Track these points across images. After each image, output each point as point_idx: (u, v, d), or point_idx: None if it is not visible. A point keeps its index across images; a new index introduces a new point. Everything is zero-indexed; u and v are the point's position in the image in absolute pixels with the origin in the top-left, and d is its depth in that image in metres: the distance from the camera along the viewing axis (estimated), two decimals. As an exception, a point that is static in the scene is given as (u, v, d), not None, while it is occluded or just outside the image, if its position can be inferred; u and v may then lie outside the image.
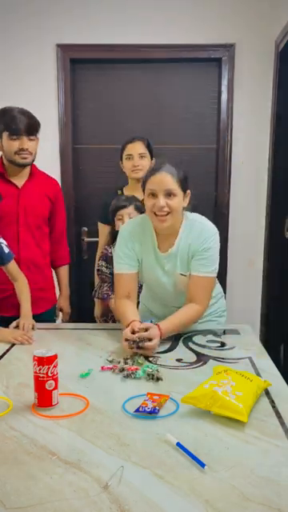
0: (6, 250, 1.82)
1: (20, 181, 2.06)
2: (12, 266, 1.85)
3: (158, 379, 1.34)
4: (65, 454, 0.98)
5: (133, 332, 1.55)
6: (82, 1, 2.84)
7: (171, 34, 2.84)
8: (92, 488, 0.87)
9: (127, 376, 1.36)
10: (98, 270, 2.32)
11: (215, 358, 1.51)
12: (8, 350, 1.59)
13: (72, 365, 1.45)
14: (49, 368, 1.17)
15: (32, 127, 1.97)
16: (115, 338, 1.71)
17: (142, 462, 0.95)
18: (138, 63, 2.95)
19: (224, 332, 1.78)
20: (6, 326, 1.78)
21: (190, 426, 1.10)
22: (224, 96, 2.90)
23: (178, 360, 1.51)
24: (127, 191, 2.44)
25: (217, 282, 1.87)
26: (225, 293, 2.84)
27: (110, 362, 1.47)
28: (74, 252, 3.07)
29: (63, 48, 2.87)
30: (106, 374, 1.37)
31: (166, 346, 1.63)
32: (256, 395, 1.19)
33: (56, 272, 2.33)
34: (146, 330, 1.55)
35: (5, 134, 1.95)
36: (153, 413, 1.13)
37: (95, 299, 2.40)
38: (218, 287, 1.94)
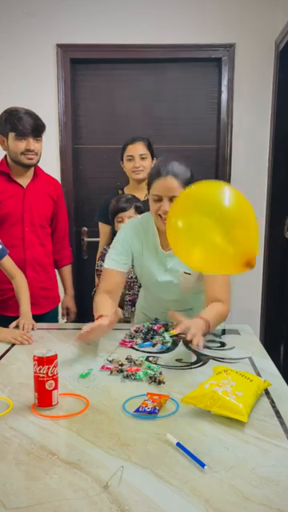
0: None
1: (24, 181, 2.07)
2: (7, 263, 1.85)
3: (160, 382, 1.32)
4: (65, 454, 0.98)
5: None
6: (82, 1, 2.84)
7: (171, 34, 2.84)
8: (92, 488, 0.87)
9: (127, 377, 1.36)
10: (97, 269, 2.33)
11: (215, 358, 1.51)
12: (8, 350, 1.59)
13: (72, 365, 1.46)
14: (49, 368, 1.17)
15: (38, 128, 1.99)
16: (115, 338, 1.71)
17: (141, 462, 0.95)
18: (138, 63, 2.95)
19: (224, 332, 1.77)
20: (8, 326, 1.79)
21: (190, 426, 1.10)
22: (224, 96, 2.90)
23: (178, 360, 1.51)
24: (128, 191, 2.44)
25: None
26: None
27: (110, 362, 1.47)
28: (74, 252, 3.06)
29: (63, 48, 2.87)
30: (106, 374, 1.37)
31: (166, 346, 1.63)
32: (256, 395, 1.19)
33: (60, 272, 2.34)
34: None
35: (11, 135, 1.96)
36: (153, 413, 1.13)
37: None
38: None
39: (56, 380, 1.18)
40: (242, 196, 1.29)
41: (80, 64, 2.96)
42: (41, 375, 1.17)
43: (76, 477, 0.91)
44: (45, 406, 1.17)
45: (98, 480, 0.89)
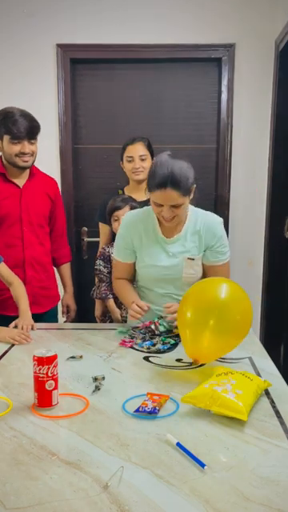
0: None
1: (21, 181, 2.06)
2: (3, 269, 1.85)
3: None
4: (65, 454, 0.98)
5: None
6: (82, 1, 2.84)
7: (171, 33, 2.84)
8: (92, 488, 0.87)
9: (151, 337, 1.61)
10: (96, 269, 2.33)
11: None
12: (8, 350, 1.59)
13: (72, 365, 1.46)
14: (49, 368, 1.17)
15: (33, 131, 1.97)
16: (115, 338, 1.71)
17: (141, 462, 0.95)
18: (138, 63, 2.95)
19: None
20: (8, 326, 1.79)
21: (190, 426, 1.10)
22: (224, 96, 2.90)
23: (178, 360, 1.51)
24: (128, 192, 2.44)
25: None
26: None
27: (131, 336, 1.67)
28: (73, 252, 3.06)
29: (63, 48, 2.87)
30: (106, 374, 1.37)
31: (166, 346, 1.63)
32: (256, 394, 1.19)
33: (59, 270, 2.34)
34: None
35: (6, 138, 1.94)
36: (153, 413, 1.13)
37: (95, 299, 2.40)
38: None
39: (56, 380, 1.18)
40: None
41: (80, 64, 2.95)
42: (41, 375, 1.17)
43: (76, 477, 0.91)
44: (45, 406, 1.17)
45: (98, 480, 0.89)
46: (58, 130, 2.95)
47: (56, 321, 2.32)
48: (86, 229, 3.05)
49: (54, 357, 1.18)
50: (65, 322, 2.37)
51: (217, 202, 3.02)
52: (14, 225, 2.04)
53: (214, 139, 3.00)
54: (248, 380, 1.21)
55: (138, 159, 2.33)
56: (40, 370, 1.17)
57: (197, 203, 1.78)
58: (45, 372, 1.16)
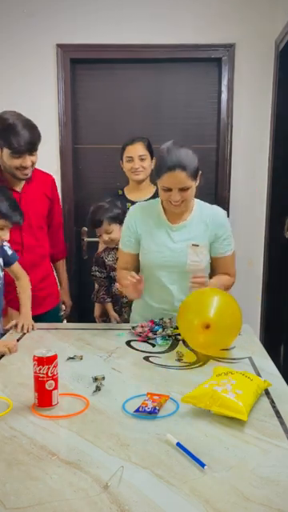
0: (10, 251, 1.82)
1: (19, 185, 2.03)
2: (16, 267, 1.86)
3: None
4: (65, 454, 0.98)
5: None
6: (82, 1, 2.84)
7: (171, 34, 2.83)
8: (92, 488, 0.87)
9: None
10: (93, 275, 2.33)
11: (215, 358, 1.51)
12: (8, 350, 1.59)
13: (72, 365, 1.46)
14: (49, 368, 1.17)
15: (34, 143, 1.89)
16: (115, 338, 1.71)
17: (141, 462, 0.95)
18: (138, 63, 2.95)
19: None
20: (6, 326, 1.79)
21: (190, 426, 1.10)
22: (224, 96, 2.90)
23: (178, 360, 1.51)
24: (128, 192, 2.44)
25: None
26: (225, 293, 2.85)
27: (140, 333, 1.70)
28: (74, 252, 3.07)
29: (63, 48, 2.87)
30: (106, 374, 1.37)
31: (166, 346, 1.63)
32: (256, 394, 1.19)
33: (54, 266, 2.33)
34: None
35: (6, 151, 1.87)
36: (153, 413, 1.13)
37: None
38: None
39: (56, 380, 1.18)
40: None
41: (80, 64, 2.95)
42: (41, 375, 1.17)
43: (76, 477, 0.91)
44: (45, 406, 1.17)
45: (98, 480, 0.89)
46: (57, 130, 2.95)
47: (58, 320, 2.31)
48: (85, 229, 3.05)
49: (54, 357, 1.18)
50: (61, 315, 2.36)
51: (217, 201, 3.02)
52: (13, 231, 2.01)
53: (214, 139, 3.00)
54: (248, 380, 1.21)
55: (137, 159, 2.33)
56: (40, 370, 1.17)
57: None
58: (45, 372, 1.16)
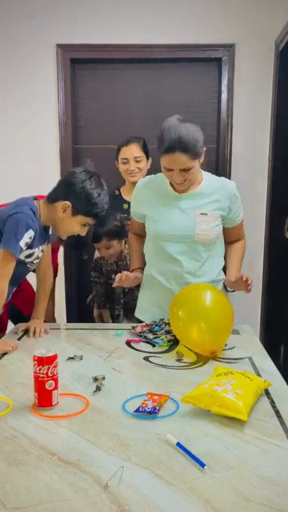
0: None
1: None
2: (47, 250, 1.85)
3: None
4: (65, 454, 0.98)
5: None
6: (82, 1, 2.84)
7: (171, 34, 2.84)
8: (92, 488, 0.87)
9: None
10: (92, 281, 2.33)
11: (215, 358, 1.51)
12: (8, 350, 1.59)
13: (72, 365, 1.46)
14: (49, 368, 1.17)
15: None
16: (115, 338, 1.71)
17: (141, 462, 0.95)
18: (138, 63, 2.95)
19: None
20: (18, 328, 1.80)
21: (190, 425, 1.10)
22: (224, 96, 2.90)
23: (178, 360, 1.51)
24: (124, 192, 2.43)
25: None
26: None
27: (140, 334, 1.71)
28: (74, 252, 3.07)
29: (63, 48, 2.87)
30: (106, 374, 1.37)
31: (166, 346, 1.63)
32: (256, 394, 1.19)
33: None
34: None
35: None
36: (153, 413, 1.13)
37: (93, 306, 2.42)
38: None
39: (56, 380, 1.18)
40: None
41: (80, 64, 2.95)
42: (41, 375, 1.17)
43: (76, 477, 0.90)
44: (45, 406, 1.17)
45: (98, 480, 0.89)
46: (57, 130, 2.95)
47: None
48: (85, 229, 3.05)
49: (54, 357, 1.18)
50: None
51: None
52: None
53: (214, 139, 3.00)
54: (248, 380, 1.21)
55: (132, 161, 2.30)
56: (40, 369, 1.17)
57: None
58: (45, 372, 1.16)
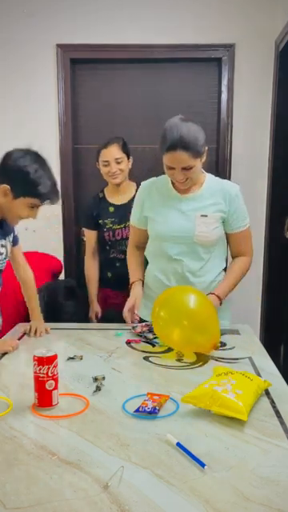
0: (15, 232, 1.75)
1: None
2: (18, 250, 1.77)
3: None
4: (65, 454, 0.98)
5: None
6: (82, 1, 2.84)
7: (171, 34, 2.83)
8: (92, 488, 0.87)
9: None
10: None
11: (215, 358, 1.51)
12: (8, 350, 1.59)
13: (72, 365, 1.46)
14: (49, 368, 1.17)
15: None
16: (115, 338, 1.71)
17: (141, 462, 0.95)
18: (138, 63, 2.95)
19: (224, 332, 1.77)
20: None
21: (190, 425, 1.10)
22: (224, 96, 2.90)
23: (178, 360, 1.51)
24: (108, 193, 2.40)
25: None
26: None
27: (140, 334, 1.72)
28: (73, 251, 3.07)
29: (63, 48, 2.87)
30: (106, 374, 1.37)
31: (166, 346, 1.63)
32: (256, 394, 1.19)
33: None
34: None
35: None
36: (153, 413, 1.13)
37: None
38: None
39: (56, 380, 1.18)
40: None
41: (80, 64, 2.95)
42: (41, 375, 1.17)
43: (76, 477, 0.90)
44: (45, 406, 1.17)
45: (98, 480, 0.89)
46: (57, 130, 2.95)
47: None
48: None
49: (54, 357, 1.18)
50: None
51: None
52: None
53: (214, 139, 3.00)
54: (248, 380, 1.21)
55: (113, 163, 2.27)
56: (40, 369, 1.17)
57: None
58: (45, 372, 1.16)
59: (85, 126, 3.04)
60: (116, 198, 2.35)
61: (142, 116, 2.99)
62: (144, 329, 1.74)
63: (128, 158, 2.33)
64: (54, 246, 2.97)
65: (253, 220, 2.98)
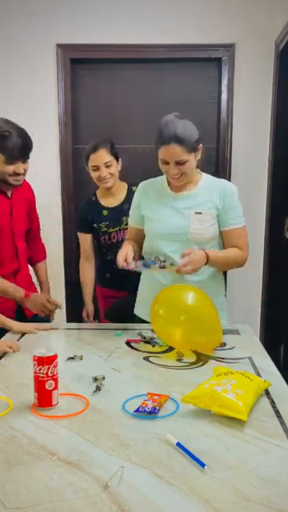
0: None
1: (9, 191, 1.99)
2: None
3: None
4: (65, 454, 0.98)
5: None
6: (82, 1, 2.84)
7: (171, 33, 2.84)
8: (92, 488, 0.87)
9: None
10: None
11: (215, 358, 1.51)
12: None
13: (72, 365, 1.46)
14: (49, 368, 1.17)
15: (27, 150, 1.88)
16: (115, 338, 1.71)
17: (142, 462, 0.95)
18: (138, 63, 2.95)
19: (224, 332, 1.77)
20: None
21: (190, 425, 1.10)
22: (224, 96, 2.90)
23: (178, 360, 1.51)
24: (100, 195, 2.36)
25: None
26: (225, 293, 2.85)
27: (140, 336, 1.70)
28: (73, 252, 3.07)
29: (63, 48, 2.87)
30: (106, 374, 1.37)
31: (166, 346, 1.63)
32: (256, 394, 1.19)
33: (36, 268, 2.29)
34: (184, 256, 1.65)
35: (0, 157, 1.82)
36: (153, 413, 1.13)
37: None
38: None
39: (56, 380, 1.18)
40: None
41: (80, 64, 2.95)
42: (41, 375, 1.17)
43: (76, 477, 0.90)
44: (45, 406, 1.17)
45: (98, 480, 0.89)
46: (57, 130, 2.95)
47: (49, 321, 2.30)
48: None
49: (54, 357, 1.18)
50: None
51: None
52: (7, 239, 1.99)
53: (214, 139, 3.00)
54: (248, 380, 1.21)
55: (103, 167, 2.24)
56: (40, 369, 1.17)
57: None
58: (45, 372, 1.16)
59: (85, 126, 3.04)
60: (108, 201, 2.33)
61: (141, 116, 2.99)
62: (138, 264, 1.70)
63: (117, 161, 2.30)
64: (54, 246, 2.97)
65: (253, 220, 3.01)
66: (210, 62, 2.91)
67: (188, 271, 1.63)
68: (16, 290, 1.89)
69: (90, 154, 2.29)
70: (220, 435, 1.06)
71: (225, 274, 2.96)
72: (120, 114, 3.00)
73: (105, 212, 2.33)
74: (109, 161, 2.24)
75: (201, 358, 1.51)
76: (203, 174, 1.84)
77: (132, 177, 2.41)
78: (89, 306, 2.48)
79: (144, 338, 1.69)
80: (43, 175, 2.87)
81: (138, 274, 1.94)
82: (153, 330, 1.74)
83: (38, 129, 2.92)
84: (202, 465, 0.93)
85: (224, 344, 1.64)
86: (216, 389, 1.14)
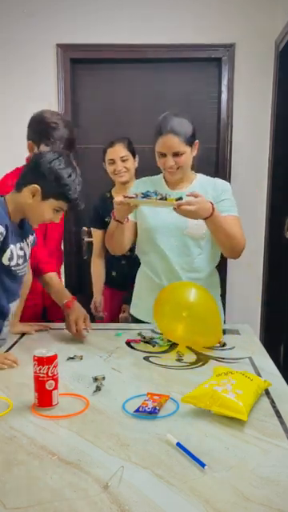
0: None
1: None
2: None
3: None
4: (65, 454, 0.98)
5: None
6: (82, 1, 2.84)
7: (171, 33, 2.84)
8: (92, 488, 0.87)
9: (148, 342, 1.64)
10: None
11: (215, 358, 1.51)
12: (8, 350, 1.59)
13: (72, 365, 1.46)
14: (49, 368, 1.17)
15: (73, 142, 1.83)
16: (115, 338, 1.71)
17: (142, 462, 0.95)
18: (138, 63, 2.95)
19: (224, 332, 1.77)
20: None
21: (190, 425, 1.10)
22: (224, 96, 2.90)
23: (178, 360, 1.51)
24: (115, 193, 2.41)
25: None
26: (225, 293, 2.85)
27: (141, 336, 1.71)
28: (73, 252, 3.07)
29: (63, 48, 2.87)
30: (106, 374, 1.37)
31: (166, 346, 1.63)
32: (256, 394, 1.19)
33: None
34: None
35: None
36: (153, 413, 1.13)
37: None
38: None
39: (56, 380, 1.18)
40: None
41: (80, 64, 2.96)
42: (41, 375, 1.17)
43: (76, 477, 0.90)
44: (45, 406, 1.17)
45: (98, 480, 0.89)
46: (58, 130, 2.95)
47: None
48: (85, 229, 3.05)
49: (54, 357, 1.18)
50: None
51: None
52: (53, 238, 2.04)
53: (214, 139, 3.00)
54: (248, 380, 1.21)
55: (119, 161, 2.32)
56: (40, 369, 1.16)
57: None
58: (45, 372, 1.16)
59: (85, 126, 3.04)
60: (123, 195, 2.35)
61: (141, 116, 2.99)
62: (137, 193, 1.63)
63: (134, 157, 2.35)
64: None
65: (253, 220, 3.02)
66: (210, 61, 2.91)
67: (188, 210, 1.55)
68: (64, 295, 1.81)
69: (107, 148, 2.37)
70: (220, 435, 1.06)
71: (224, 273, 2.97)
72: (120, 113, 3.00)
73: None
74: (125, 155, 2.32)
75: (201, 358, 1.51)
76: (197, 174, 1.88)
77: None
78: (97, 298, 2.48)
79: (144, 338, 1.69)
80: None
81: None
82: (153, 330, 1.74)
83: (38, 129, 2.92)
84: (202, 465, 0.93)
85: (224, 344, 1.64)
86: (216, 389, 1.14)
